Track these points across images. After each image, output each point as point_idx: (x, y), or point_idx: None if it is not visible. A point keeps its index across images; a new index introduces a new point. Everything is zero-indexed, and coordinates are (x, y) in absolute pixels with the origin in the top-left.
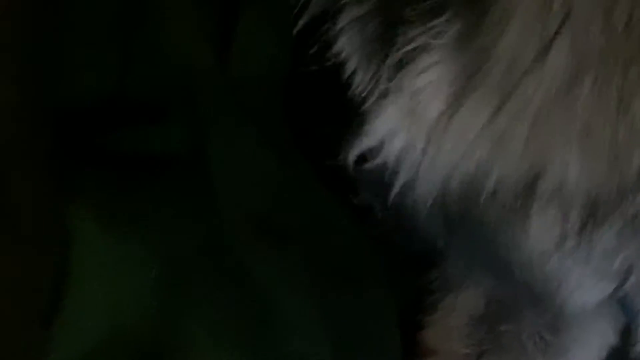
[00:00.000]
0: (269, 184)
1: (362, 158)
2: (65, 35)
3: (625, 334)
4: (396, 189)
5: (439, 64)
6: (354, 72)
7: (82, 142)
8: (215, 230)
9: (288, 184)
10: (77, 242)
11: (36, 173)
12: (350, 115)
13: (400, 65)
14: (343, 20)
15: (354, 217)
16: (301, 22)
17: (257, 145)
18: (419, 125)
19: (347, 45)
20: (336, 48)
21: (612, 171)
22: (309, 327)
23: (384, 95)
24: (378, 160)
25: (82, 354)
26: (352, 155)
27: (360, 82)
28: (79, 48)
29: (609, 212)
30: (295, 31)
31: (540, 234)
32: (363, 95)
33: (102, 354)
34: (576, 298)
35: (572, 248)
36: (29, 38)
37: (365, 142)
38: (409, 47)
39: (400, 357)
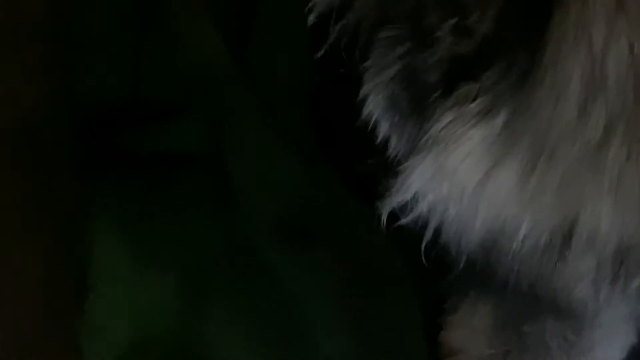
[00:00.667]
0: (292, 185)
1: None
2: (81, 36)
3: None
4: (426, 240)
5: (476, 129)
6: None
7: (103, 142)
8: (239, 232)
9: (313, 186)
10: (98, 243)
11: (59, 170)
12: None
13: (436, 131)
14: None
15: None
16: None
17: (280, 146)
18: (451, 185)
19: (375, 108)
20: (365, 110)
21: None
22: (337, 332)
23: (418, 153)
24: (409, 217)
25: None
26: (385, 212)
27: (394, 146)
28: (95, 49)
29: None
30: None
31: (572, 283)
32: (397, 157)
33: (132, 357)
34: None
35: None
36: (50, 39)
37: (398, 199)
38: (444, 122)
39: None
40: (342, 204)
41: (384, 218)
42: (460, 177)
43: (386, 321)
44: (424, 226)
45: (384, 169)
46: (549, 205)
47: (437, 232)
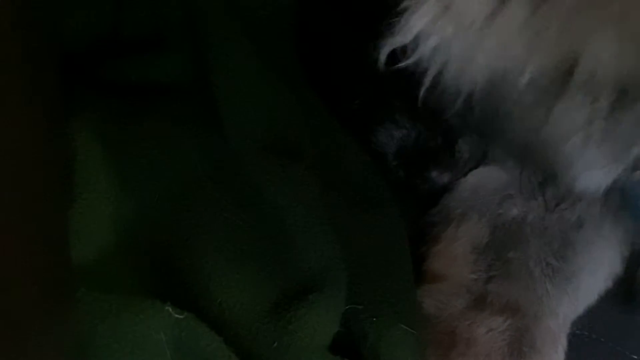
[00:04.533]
0: (278, 107)
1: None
2: None
3: (632, 262)
4: (426, 85)
5: None
6: None
7: (85, 76)
8: (222, 151)
9: (298, 109)
10: (80, 152)
11: (40, 102)
12: (384, 13)
13: None
14: None
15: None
16: None
17: (266, 72)
18: (457, 24)
19: None
20: None
21: None
22: (324, 243)
23: None
24: (411, 59)
25: (93, 259)
26: (385, 52)
27: None
28: None
29: (637, 97)
30: None
31: (566, 118)
32: None
33: (110, 261)
34: (586, 179)
35: (594, 132)
36: None
37: (399, 40)
38: None
39: (411, 273)
40: (327, 126)
41: (383, 59)
42: (467, 14)
43: (374, 234)
44: (423, 72)
45: (371, 106)
46: (553, 41)
47: (436, 79)
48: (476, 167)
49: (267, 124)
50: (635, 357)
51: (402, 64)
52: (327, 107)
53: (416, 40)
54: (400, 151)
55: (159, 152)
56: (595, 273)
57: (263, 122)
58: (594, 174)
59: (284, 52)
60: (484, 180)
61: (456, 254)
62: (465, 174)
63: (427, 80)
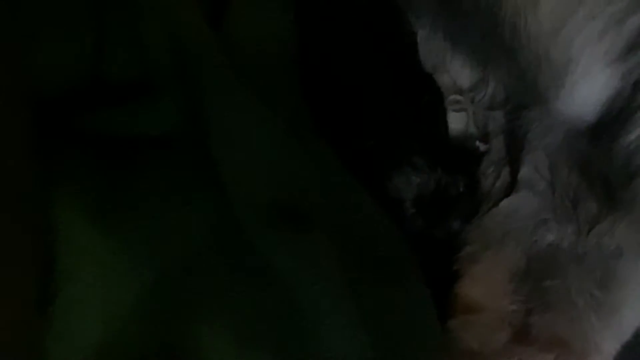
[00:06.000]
0: (283, 165)
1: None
2: (38, 14)
3: None
4: None
5: None
6: None
7: (64, 125)
8: (224, 217)
9: (307, 165)
10: (62, 235)
11: (17, 155)
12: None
13: None
14: None
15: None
16: None
17: (269, 122)
18: None
19: None
20: None
21: None
22: (345, 324)
23: None
24: None
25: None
26: None
27: None
28: (53, 27)
29: None
30: None
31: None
32: None
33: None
34: (583, 89)
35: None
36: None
37: None
38: None
39: (439, 348)
40: (340, 183)
41: None
42: None
43: (399, 309)
44: None
45: (387, 147)
46: None
47: None
48: (506, 196)
49: (272, 182)
50: None
51: None
52: (337, 151)
53: None
54: (419, 198)
55: (153, 225)
56: (635, 307)
57: (268, 181)
58: (591, 82)
59: (288, 94)
60: (517, 204)
61: (495, 281)
62: (497, 204)
63: None
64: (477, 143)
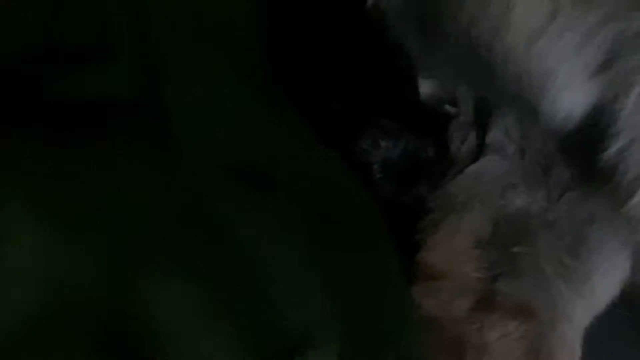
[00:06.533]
0: (246, 127)
1: None
2: None
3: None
4: None
5: None
6: None
7: (18, 93)
8: (182, 180)
9: (272, 128)
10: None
11: None
12: None
13: None
14: None
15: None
16: None
17: (231, 85)
18: None
19: None
20: None
21: None
22: (308, 294)
23: None
24: None
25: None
26: None
27: None
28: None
29: None
30: None
31: (528, 11)
32: None
33: (41, 332)
34: (565, 101)
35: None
36: None
37: None
38: None
39: (411, 321)
40: (308, 149)
41: None
42: None
43: (366, 280)
44: None
45: (354, 109)
46: None
47: None
48: (474, 161)
49: (233, 145)
50: None
51: None
52: (307, 115)
53: None
54: (387, 163)
55: (105, 189)
56: (608, 275)
57: (228, 143)
58: (573, 94)
59: (252, 55)
60: (485, 169)
61: (457, 247)
62: (463, 169)
63: None
64: (447, 107)
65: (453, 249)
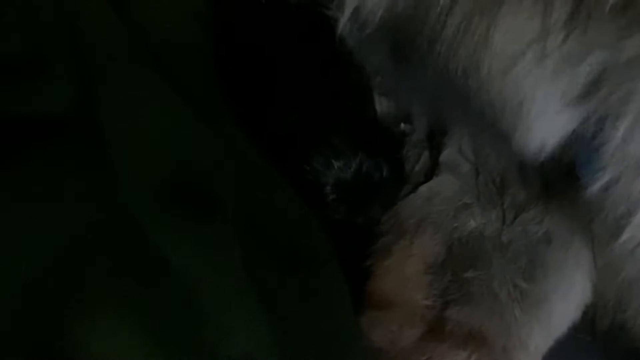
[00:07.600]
0: (183, 147)
1: None
2: None
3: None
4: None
5: None
6: None
7: None
8: (114, 206)
9: (213, 148)
10: None
11: None
12: None
13: None
14: None
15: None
16: None
17: (169, 104)
18: None
19: None
20: None
21: None
22: (247, 324)
23: None
24: None
25: None
26: None
27: None
28: None
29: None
30: None
31: (508, 38)
32: None
33: None
34: (539, 130)
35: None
36: None
37: None
38: None
39: (361, 350)
40: (253, 170)
41: None
42: None
43: (311, 308)
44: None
45: (305, 126)
46: None
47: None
48: (426, 181)
49: (168, 166)
50: None
51: None
52: (255, 133)
53: None
54: (339, 183)
55: (30, 210)
56: (566, 298)
57: (163, 165)
58: (549, 122)
59: (195, 74)
60: (438, 188)
61: (408, 274)
62: (415, 189)
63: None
64: (402, 126)
65: (403, 276)
